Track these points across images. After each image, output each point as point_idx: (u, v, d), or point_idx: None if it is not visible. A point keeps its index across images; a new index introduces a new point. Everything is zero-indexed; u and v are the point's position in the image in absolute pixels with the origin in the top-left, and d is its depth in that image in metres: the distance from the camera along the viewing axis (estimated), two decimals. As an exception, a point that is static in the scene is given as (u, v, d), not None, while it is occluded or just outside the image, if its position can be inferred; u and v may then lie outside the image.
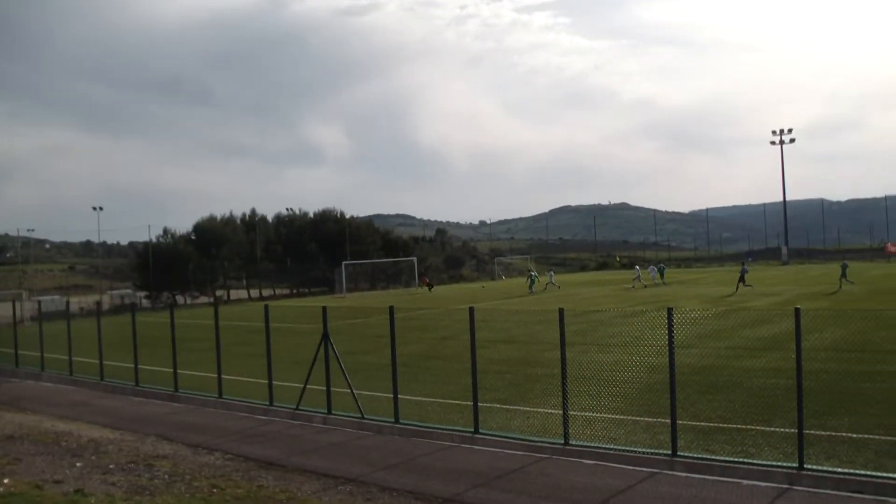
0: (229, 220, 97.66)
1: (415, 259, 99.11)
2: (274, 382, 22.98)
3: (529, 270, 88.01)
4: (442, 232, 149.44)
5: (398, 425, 19.74)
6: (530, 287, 73.74)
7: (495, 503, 13.91)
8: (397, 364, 20.29)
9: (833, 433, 16.44)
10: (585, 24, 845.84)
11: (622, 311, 44.50)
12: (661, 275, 76.46)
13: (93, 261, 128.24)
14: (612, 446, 16.62)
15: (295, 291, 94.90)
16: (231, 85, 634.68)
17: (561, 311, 17.63)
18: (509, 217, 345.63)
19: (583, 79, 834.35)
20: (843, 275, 56.43)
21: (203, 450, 18.79)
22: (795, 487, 13.97)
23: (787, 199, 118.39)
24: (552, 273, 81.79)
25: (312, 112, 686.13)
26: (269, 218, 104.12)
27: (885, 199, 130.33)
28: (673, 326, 16.20)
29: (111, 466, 17.00)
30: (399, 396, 20.06)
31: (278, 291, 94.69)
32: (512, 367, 27.06)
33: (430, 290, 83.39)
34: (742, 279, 57.91)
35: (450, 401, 21.58)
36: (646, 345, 20.42)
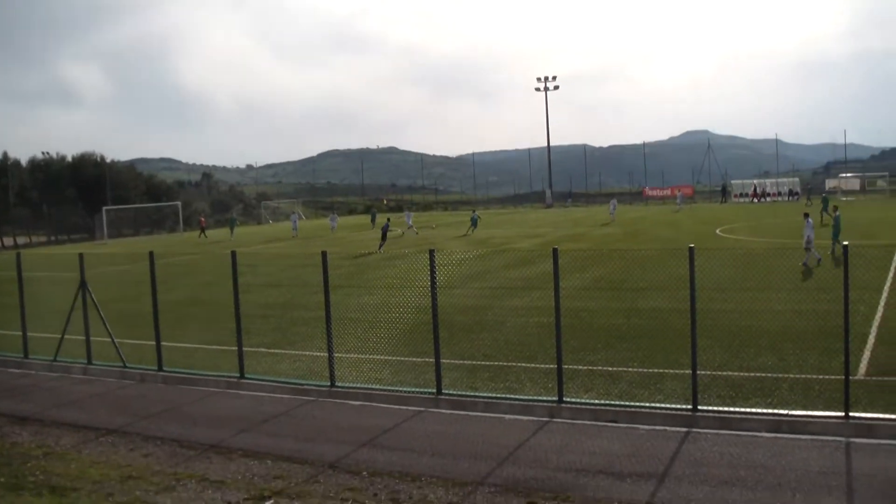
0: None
1: (179, 204, 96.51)
2: (29, 334, 21.91)
3: (232, 217, 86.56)
4: (208, 176, 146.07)
5: (162, 373, 19.25)
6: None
7: (261, 447, 13.75)
8: (160, 311, 19.70)
9: (591, 367, 17.17)
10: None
11: (388, 255, 44.81)
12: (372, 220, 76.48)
13: None
14: (378, 387, 16.77)
15: (53, 238, 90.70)
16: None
17: (324, 254, 17.53)
18: (277, 161, 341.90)
19: (350, 23, 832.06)
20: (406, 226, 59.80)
21: (-51, 407, 17.74)
22: (555, 419, 14.48)
23: (552, 144, 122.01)
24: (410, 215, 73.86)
25: (67, 51, 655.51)
26: (24, 162, 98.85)
27: (644, 145, 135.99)
28: (435, 267, 16.37)
29: None
30: (162, 344, 19.52)
31: (35, 239, 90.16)
32: (278, 311, 26.84)
33: (202, 234, 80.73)
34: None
35: (215, 347, 21.22)
36: (410, 286, 20.61)
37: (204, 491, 11.67)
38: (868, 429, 12.93)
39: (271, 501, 11.16)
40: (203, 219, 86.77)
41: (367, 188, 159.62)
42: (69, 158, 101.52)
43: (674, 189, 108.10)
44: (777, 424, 13.29)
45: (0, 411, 17.11)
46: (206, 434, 14.74)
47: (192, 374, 18.97)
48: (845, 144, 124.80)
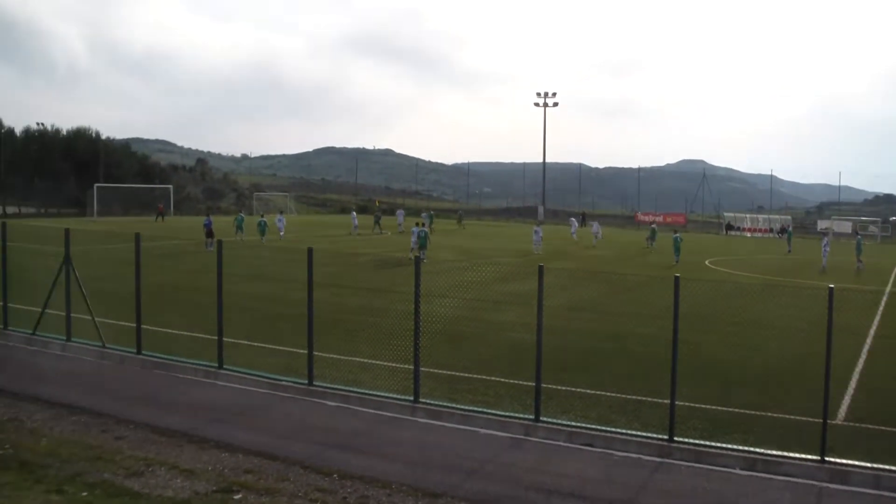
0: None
1: (171, 187, 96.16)
2: (9, 305, 21.79)
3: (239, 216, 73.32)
4: (202, 162, 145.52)
5: (141, 356, 19.15)
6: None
7: (234, 440, 13.70)
8: (143, 294, 19.59)
9: (570, 388, 17.10)
10: None
11: (378, 258, 44.71)
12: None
13: None
14: (355, 389, 16.69)
15: (43, 211, 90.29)
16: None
17: (310, 251, 17.42)
18: (273, 153, 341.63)
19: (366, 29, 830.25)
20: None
21: (-77, 374, 17.59)
22: (531, 438, 14.46)
23: (548, 160, 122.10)
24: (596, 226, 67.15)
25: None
26: (18, 132, 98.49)
27: (639, 169, 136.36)
28: (420, 275, 16.34)
29: None
30: (143, 327, 19.42)
31: (24, 210, 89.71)
32: (262, 304, 26.75)
33: (161, 219, 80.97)
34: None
35: (196, 334, 21.10)
36: (396, 291, 20.54)
37: (173, 479, 11.62)
38: (843, 475, 12.93)
39: (239, 495, 11.10)
40: (161, 205, 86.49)
41: (361, 188, 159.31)
42: (63, 132, 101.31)
43: (666, 216, 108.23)
44: (752, 462, 13.29)
45: (-25, 382, 17.00)
46: (179, 422, 14.66)
47: (170, 360, 18.87)
48: (839, 186, 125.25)
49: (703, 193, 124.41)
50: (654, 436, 14.18)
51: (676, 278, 14.61)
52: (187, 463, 12.41)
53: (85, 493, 10.80)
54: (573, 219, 66.88)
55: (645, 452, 13.79)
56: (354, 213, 76.81)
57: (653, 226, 68.57)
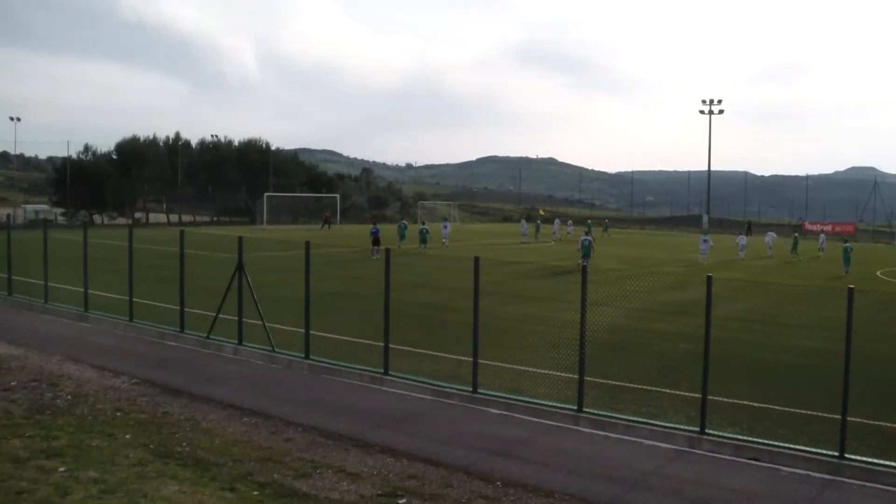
0: (152, 143, 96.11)
1: (338, 196, 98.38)
2: (186, 309, 22.65)
3: (402, 223, 68.69)
4: (368, 171, 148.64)
5: (308, 361, 19.65)
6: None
7: (398, 445, 13.90)
8: (311, 300, 20.10)
9: (736, 401, 16.76)
10: None
11: (540, 266, 44.70)
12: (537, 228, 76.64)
13: (8, 173, 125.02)
14: (519, 397, 16.73)
15: (215, 219, 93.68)
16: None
17: (476, 260, 17.57)
18: (437, 162, 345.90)
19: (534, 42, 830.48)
20: None
21: (109, 372, 18.45)
22: (695, 450, 14.23)
23: (712, 168, 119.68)
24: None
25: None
26: (193, 143, 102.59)
27: (807, 177, 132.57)
28: (587, 284, 16.26)
29: (13, 384, 16.69)
30: (311, 332, 19.91)
31: (199, 218, 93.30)
32: (426, 311, 27.09)
33: (327, 227, 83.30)
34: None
35: (362, 340, 21.47)
36: (559, 300, 20.50)
37: (340, 482, 11.87)
38: None
39: (404, 500, 11.27)
40: (328, 214, 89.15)
41: (524, 197, 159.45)
42: (236, 143, 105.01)
43: (834, 225, 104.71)
44: (931, 485, 12.73)
45: (155, 381, 17.78)
46: (345, 426, 14.96)
47: (337, 365, 19.29)
48: None
49: (874, 201, 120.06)
50: (824, 452, 13.74)
51: (850, 290, 14.15)
52: (353, 467, 12.67)
53: (256, 493, 11.16)
54: (741, 238, 63.36)
55: (814, 469, 13.37)
56: (524, 222, 77.84)
57: (795, 234, 66.33)
